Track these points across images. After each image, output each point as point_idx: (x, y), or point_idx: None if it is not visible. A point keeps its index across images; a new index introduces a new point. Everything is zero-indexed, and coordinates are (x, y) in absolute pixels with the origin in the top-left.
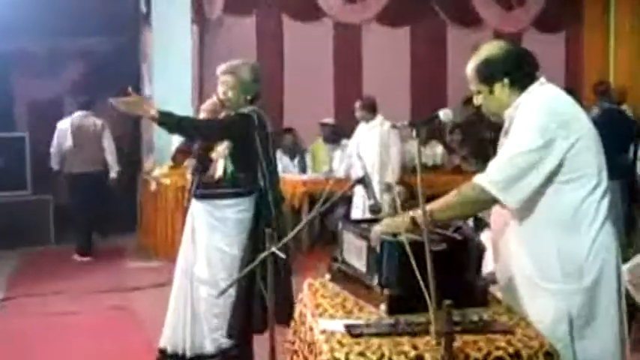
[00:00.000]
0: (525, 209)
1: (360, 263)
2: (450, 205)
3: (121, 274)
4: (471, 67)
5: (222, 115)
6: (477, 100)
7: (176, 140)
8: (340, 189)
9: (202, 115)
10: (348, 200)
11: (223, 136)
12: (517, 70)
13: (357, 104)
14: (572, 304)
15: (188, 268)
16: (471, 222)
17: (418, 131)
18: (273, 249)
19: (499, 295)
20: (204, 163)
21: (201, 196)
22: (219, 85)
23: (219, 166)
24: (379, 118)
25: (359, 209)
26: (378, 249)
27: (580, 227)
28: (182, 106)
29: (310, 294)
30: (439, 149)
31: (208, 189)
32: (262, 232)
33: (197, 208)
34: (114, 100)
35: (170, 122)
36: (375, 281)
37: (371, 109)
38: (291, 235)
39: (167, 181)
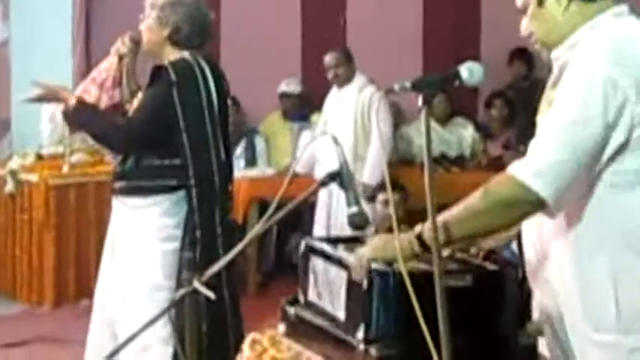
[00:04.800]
0: (571, 216)
1: (335, 307)
2: (472, 213)
3: None
4: None
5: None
6: (524, 26)
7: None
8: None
9: (108, 62)
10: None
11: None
12: None
13: (329, 59)
14: None
15: (109, 309)
16: (514, 245)
17: (428, 98)
18: (196, 284)
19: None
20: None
21: (114, 192)
22: None
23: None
24: (359, 79)
25: (321, 224)
26: (365, 284)
27: None
28: (56, 58)
29: (254, 356)
30: (468, 132)
31: (118, 180)
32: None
33: (115, 211)
34: (37, 81)
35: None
36: (361, 334)
37: (349, 67)
38: (221, 262)
39: (33, 177)
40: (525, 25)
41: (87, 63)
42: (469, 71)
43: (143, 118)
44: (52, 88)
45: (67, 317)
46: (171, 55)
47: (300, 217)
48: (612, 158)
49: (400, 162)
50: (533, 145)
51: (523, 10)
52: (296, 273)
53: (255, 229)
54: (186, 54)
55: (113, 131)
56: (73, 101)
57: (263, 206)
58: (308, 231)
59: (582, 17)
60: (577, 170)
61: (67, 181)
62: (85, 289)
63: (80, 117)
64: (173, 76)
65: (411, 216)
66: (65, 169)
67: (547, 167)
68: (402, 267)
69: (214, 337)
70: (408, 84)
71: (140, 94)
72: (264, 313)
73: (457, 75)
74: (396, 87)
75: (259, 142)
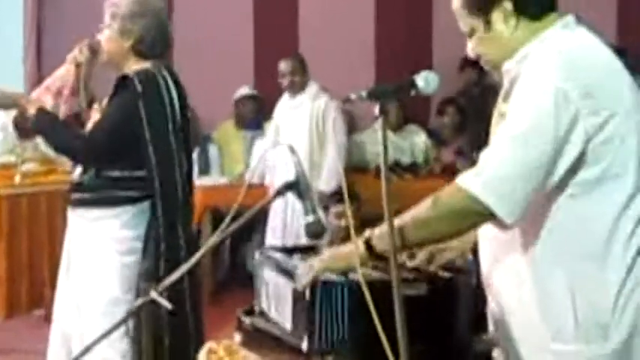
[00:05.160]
0: (527, 228)
1: (282, 316)
2: (423, 221)
3: None
4: None
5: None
6: (471, 45)
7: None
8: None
9: (64, 70)
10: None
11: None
12: None
13: (285, 66)
14: None
15: (64, 324)
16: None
17: (383, 106)
18: (153, 295)
19: None
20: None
21: (72, 203)
22: None
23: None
24: (312, 87)
25: (276, 233)
26: (307, 294)
27: (605, 260)
28: (7, 66)
29: None
30: (421, 139)
31: (77, 192)
32: (154, 261)
33: (71, 223)
34: None
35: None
36: (305, 345)
37: (304, 75)
38: (178, 272)
39: None
40: (472, 47)
41: (38, 71)
42: (425, 80)
43: (107, 129)
44: (10, 95)
45: (20, 327)
46: (134, 65)
47: (253, 226)
48: (571, 170)
49: (353, 169)
50: (484, 155)
51: (469, 35)
52: (250, 282)
53: (213, 239)
54: (148, 64)
55: (76, 142)
56: (32, 110)
57: (216, 215)
58: (261, 239)
59: (530, 33)
60: (528, 182)
61: (19, 191)
62: (37, 300)
63: (41, 126)
64: (139, 88)
65: (365, 224)
66: (17, 178)
67: (497, 179)
68: (359, 275)
69: (176, 351)
70: (364, 93)
71: (97, 105)
72: (219, 322)
73: (413, 84)
74: (353, 96)
75: (212, 150)
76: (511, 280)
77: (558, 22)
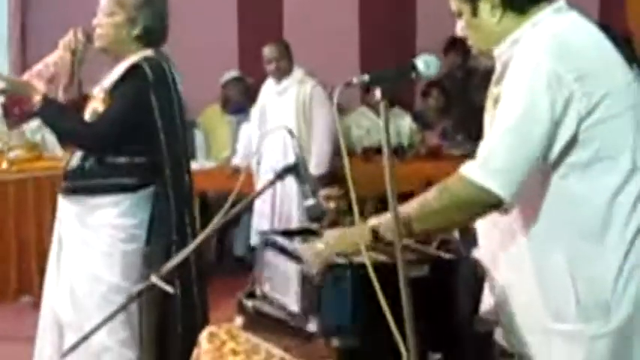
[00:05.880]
0: (524, 209)
1: (289, 299)
2: (430, 210)
3: None
4: None
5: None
6: (460, 27)
7: None
8: (251, 187)
9: (56, 56)
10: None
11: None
12: None
13: (270, 51)
14: (594, 355)
15: (55, 311)
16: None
17: (385, 91)
18: (154, 279)
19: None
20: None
21: (68, 191)
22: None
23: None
24: (298, 72)
25: (263, 217)
26: (317, 277)
27: (604, 238)
28: None
29: (212, 349)
30: (406, 122)
31: (75, 179)
32: (165, 248)
33: (63, 210)
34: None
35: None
36: (313, 326)
37: (289, 59)
38: (178, 258)
39: None
40: (462, 27)
41: (23, 57)
42: (425, 64)
43: (117, 117)
44: (17, 83)
45: (8, 314)
46: (135, 53)
47: (243, 210)
48: (565, 151)
49: (339, 152)
50: (485, 145)
51: (458, 15)
52: (238, 265)
53: (213, 224)
54: (149, 52)
55: (83, 129)
56: (38, 97)
57: (204, 200)
58: (248, 224)
59: (516, 25)
60: (530, 166)
61: (6, 178)
62: (25, 286)
63: (48, 114)
64: (150, 76)
65: (351, 206)
66: (4, 165)
67: (502, 167)
68: (365, 258)
69: (186, 337)
70: (366, 78)
71: (97, 90)
72: (216, 304)
73: (414, 68)
74: (355, 80)
75: (198, 135)
76: (512, 262)
77: (549, 7)
